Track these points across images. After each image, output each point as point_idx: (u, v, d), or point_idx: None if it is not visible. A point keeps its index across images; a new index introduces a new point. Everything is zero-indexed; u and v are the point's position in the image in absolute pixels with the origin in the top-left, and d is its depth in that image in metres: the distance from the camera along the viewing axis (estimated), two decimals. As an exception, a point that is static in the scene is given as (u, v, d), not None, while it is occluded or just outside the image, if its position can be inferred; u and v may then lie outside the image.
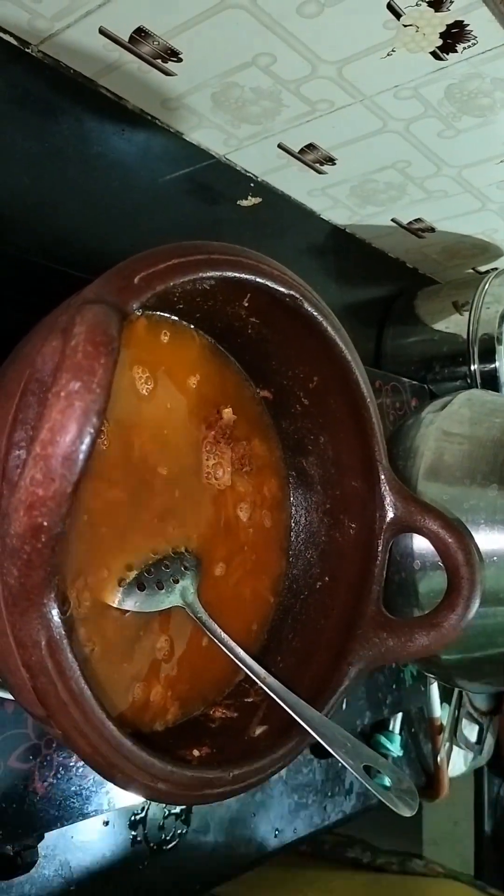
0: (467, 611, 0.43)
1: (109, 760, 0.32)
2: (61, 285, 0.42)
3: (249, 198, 0.71)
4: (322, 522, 0.49)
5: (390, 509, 0.46)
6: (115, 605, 0.37)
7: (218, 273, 0.37)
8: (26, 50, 0.54)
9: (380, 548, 0.46)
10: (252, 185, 0.71)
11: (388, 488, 0.46)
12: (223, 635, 0.40)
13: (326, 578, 0.48)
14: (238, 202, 0.71)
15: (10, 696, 0.43)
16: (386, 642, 0.43)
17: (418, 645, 0.43)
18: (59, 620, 0.29)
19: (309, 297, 0.41)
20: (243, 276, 0.38)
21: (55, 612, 0.29)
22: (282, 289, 0.40)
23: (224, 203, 0.70)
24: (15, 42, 0.53)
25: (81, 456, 0.26)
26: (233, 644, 0.40)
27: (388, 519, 0.46)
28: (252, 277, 0.38)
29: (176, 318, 0.43)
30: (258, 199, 0.72)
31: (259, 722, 0.42)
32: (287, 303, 0.41)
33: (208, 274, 0.36)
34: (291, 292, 0.40)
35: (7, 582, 0.28)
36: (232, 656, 0.40)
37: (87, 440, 0.26)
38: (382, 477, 0.46)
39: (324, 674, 0.43)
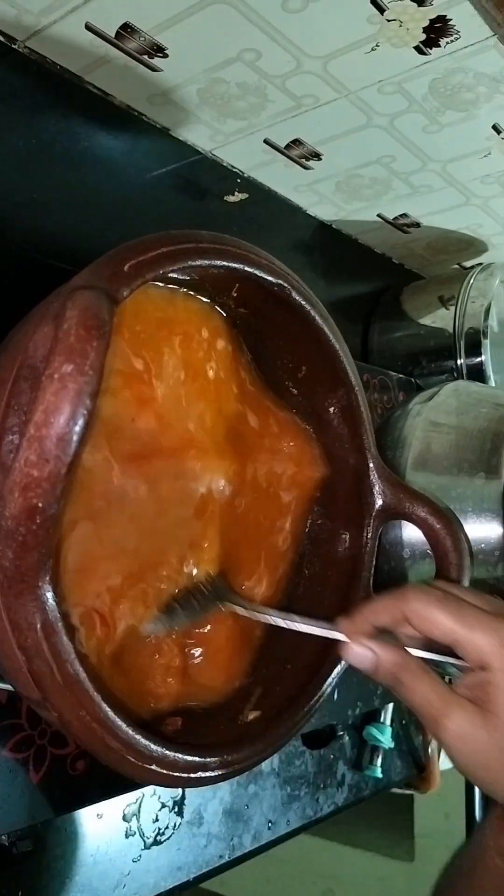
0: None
1: (104, 743, 0.32)
2: (50, 278, 0.43)
3: (236, 193, 0.71)
4: (313, 511, 0.50)
5: (379, 497, 0.47)
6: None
7: (207, 262, 0.37)
8: (13, 46, 0.54)
9: (369, 535, 0.47)
10: (238, 180, 0.72)
11: (377, 476, 0.46)
12: None
13: (317, 566, 0.48)
14: (225, 198, 0.71)
15: (3, 686, 0.43)
16: (376, 628, 0.44)
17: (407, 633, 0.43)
18: (53, 603, 0.30)
19: (297, 286, 0.42)
20: (232, 264, 0.38)
21: (50, 595, 0.29)
22: (270, 278, 0.40)
23: (211, 199, 0.70)
24: (1, 38, 0.54)
25: (75, 437, 0.26)
26: None
27: (377, 506, 0.47)
28: (241, 266, 0.39)
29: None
30: (245, 195, 0.72)
31: (252, 707, 0.43)
32: (275, 292, 0.41)
33: (197, 262, 0.37)
34: (280, 281, 0.41)
35: (2, 564, 0.29)
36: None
37: (80, 421, 0.26)
38: (371, 465, 0.46)
39: (316, 660, 0.44)
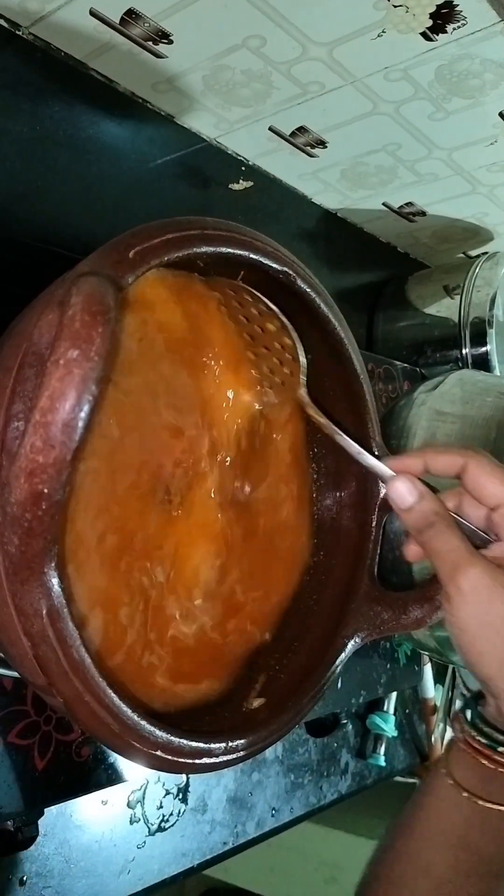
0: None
1: (110, 729, 0.32)
2: (54, 266, 0.42)
3: (241, 181, 0.71)
4: (317, 500, 0.50)
5: (383, 486, 0.46)
6: None
7: (212, 249, 0.37)
8: (17, 32, 0.54)
9: (373, 524, 0.47)
10: (243, 168, 0.71)
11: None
12: None
13: (321, 554, 0.48)
14: (229, 186, 0.71)
15: (9, 673, 0.44)
16: (381, 615, 0.44)
17: (412, 618, 0.43)
18: (59, 589, 0.30)
19: (302, 273, 0.41)
20: (237, 251, 0.38)
21: (55, 581, 0.29)
22: (275, 265, 0.40)
23: (215, 187, 0.70)
24: (5, 24, 0.53)
25: (80, 423, 0.26)
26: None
27: (381, 495, 0.47)
28: (246, 253, 0.38)
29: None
30: (249, 183, 0.72)
31: (257, 695, 0.43)
32: (280, 280, 0.41)
33: (202, 249, 0.36)
34: (285, 269, 0.40)
35: (8, 551, 0.29)
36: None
37: (86, 407, 0.26)
38: (376, 454, 0.46)
39: (320, 647, 0.44)
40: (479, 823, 0.38)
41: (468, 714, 0.39)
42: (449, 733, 0.90)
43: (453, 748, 0.39)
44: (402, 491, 0.40)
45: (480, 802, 0.37)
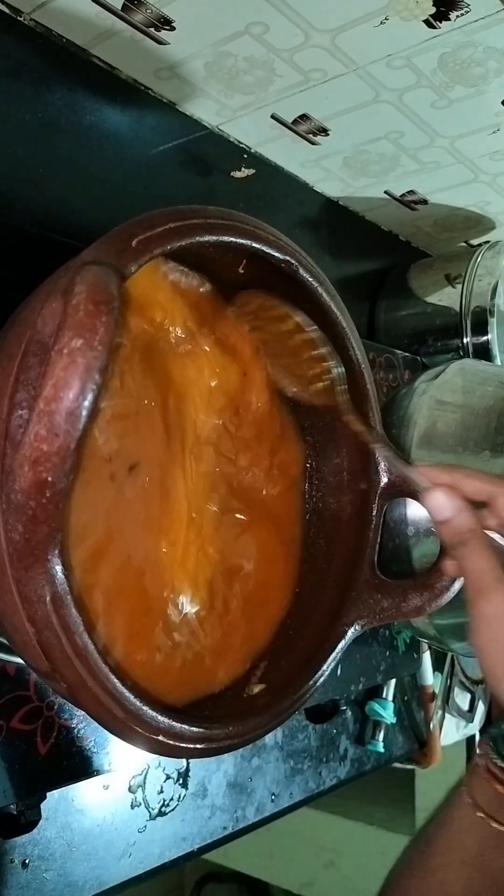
0: (459, 572, 0.44)
1: (113, 714, 0.33)
2: (57, 253, 0.42)
3: (243, 169, 0.71)
4: (318, 488, 0.50)
5: (384, 475, 0.47)
6: None
7: (214, 238, 0.37)
8: (18, 18, 0.54)
9: (374, 512, 0.47)
10: (245, 156, 0.71)
11: (382, 454, 0.47)
12: None
13: (322, 542, 0.49)
14: (231, 173, 0.71)
15: (12, 659, 0.44)
16: (381, 603, 0.44)
17: (412, 605, 0.44)
18: (62, 576, 0.30)
19: (304, 263, 0.42)
20: (240, 240, 0.38)
21: (59, 568, 0.30)
22: (277, 254, 0.40)
23: (217, 174, 0.70)
24: (7, 10, 0.53)
25: (85, 412, 0.27)
26: None
27: (382, 484, 0.47)
28: (248, 242, 0.39)
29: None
30: (251, 171, 0.72)
31: (258, 680, 0.43)
32: (283, 269, 0.41)
33: (205, 238, 0.37)
34: (287, 258, 0.41)
35: (12, 538, 0.29)
36: None
37: (90, 396, 0.27)
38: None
39: (321, 634, 0.44)
40: (493, 845, 0.38)
41: (494, 740, 0.39)
42: (448, 720, 0.90)
43: (476, 771, 0.40)
44: (440, 503, 0.40)
45: (494, 825, 0.38)
